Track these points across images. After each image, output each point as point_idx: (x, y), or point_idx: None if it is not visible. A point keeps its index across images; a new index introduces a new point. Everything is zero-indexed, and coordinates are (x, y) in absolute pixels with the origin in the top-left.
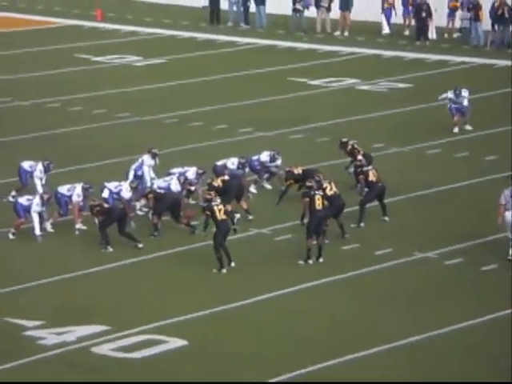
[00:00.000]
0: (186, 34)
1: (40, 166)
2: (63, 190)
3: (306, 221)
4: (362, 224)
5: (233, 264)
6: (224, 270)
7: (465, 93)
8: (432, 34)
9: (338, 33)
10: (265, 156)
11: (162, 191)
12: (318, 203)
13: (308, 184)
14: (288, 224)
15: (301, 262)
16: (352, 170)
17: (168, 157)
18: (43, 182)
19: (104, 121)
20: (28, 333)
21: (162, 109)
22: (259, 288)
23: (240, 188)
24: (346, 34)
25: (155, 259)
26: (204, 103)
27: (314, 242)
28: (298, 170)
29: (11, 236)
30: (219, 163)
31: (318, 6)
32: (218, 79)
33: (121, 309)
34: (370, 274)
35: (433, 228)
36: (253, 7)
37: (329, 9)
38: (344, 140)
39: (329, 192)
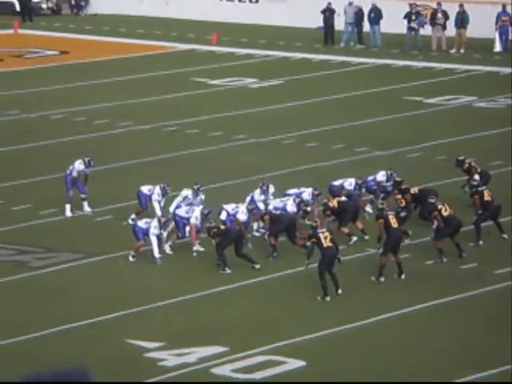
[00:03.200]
0: (301, 55)
1: (158, 190)
2: (181, 212)
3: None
4: (481, 242)
5: (340, 291)
6: (328, 298)
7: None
8: None
9: (453, 50)
10: (381, 176)
11: (278, 212)
12: (393, 222)
13: (379, 206)
14: (403, 244)
15: (372, 279)
16: (468, 189)
17: (285, 177)
18: (162, 204)
19: (221, 143)
20: (149, 354)
21: (278, 130)
22: (375, 308)
23: (356, 208)
24: (462, 51)
25: (273, 280)
26: (320, 123)
27: (392, 259)
28: (415, 190)
29: (131, 259)
30: (336, 183)
31: (433, 23)
32: (333, 99)
33: (240, 330)
34: (490, 293)
35: None
36: (366, 27)
37: (444, 26)
38: (460, 158)
39: (444, 213)
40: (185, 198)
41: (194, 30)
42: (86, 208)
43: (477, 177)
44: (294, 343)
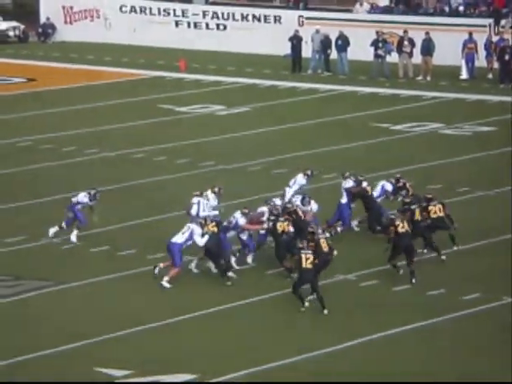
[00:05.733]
0: (269, 83)
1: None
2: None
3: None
4: (444, 257)
5: (326, 311)
6: (303, 308)
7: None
8: None
9: (420, 77)
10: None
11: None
12: (324, 246)
13: (310, 230)
14: (373, 269)
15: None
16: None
17: (253, 204)
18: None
19: (188, 170)
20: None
21: (246, 157)
22: (346, 334)
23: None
24: (429, 78)
25: (242, 307)
26: (288, 150)
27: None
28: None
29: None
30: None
31: (399, 51)
32: (301, 126)
33: (209, 357)
34: (458, 319)
35: None
36: (333, 54)
37: (411, 54)
38: (397, 176)
39: (400, 230)
40: (302, 185)
41: (161, 57)
42: (74, 237)
43: (403, 192)
44: (262, 370)
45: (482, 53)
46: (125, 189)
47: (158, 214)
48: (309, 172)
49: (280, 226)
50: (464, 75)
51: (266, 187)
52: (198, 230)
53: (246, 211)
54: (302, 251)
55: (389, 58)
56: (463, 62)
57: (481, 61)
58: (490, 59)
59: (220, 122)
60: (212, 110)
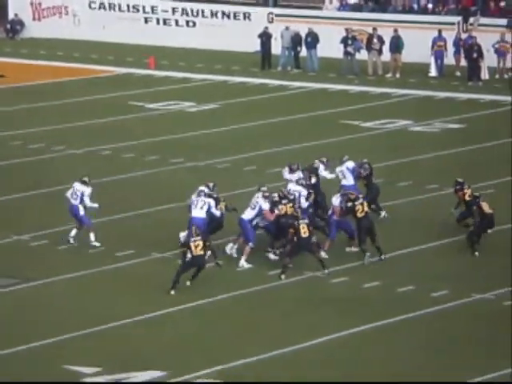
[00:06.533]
0: (238, 79)
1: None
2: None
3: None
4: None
5: (188, 283)
6: (173, 292)
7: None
8: (484, 75)
9: (389, 75)
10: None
11: None
12: (304, 231)
13: (294, 214)
14: (344, 266)
15: (282, 277)
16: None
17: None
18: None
19: (157, 167)
20: (86, 379)
21: (215, 154)
22: (312, 331)
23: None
24: (398, 75)
25: (210, 304)
26: (258, 147)
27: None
28: None
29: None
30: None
31: (369, 48)
32: (270, 123)
33: (178, 354)
34: (427, 315)
35: (489, 268)
36: (303, 51)
37: (380, 51)
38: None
39: (359, 214)
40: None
41: (131, 54)
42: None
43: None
44: (233, 366)
45: (450, 50)
46: (94, 186)
47: (127, 210)
48: (324, 159)
49: (282, 210)
50: (433, 72)
51: (237, 184)
52: (265, 204)
53: (268, 194)
54: (192, 239)
55: (358, 56)
56: (432, 60)
57: (449, 58)
58: (457, 57)
59: (190, 119)
60: (182, 106)
